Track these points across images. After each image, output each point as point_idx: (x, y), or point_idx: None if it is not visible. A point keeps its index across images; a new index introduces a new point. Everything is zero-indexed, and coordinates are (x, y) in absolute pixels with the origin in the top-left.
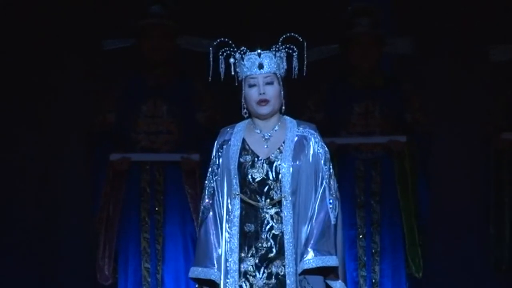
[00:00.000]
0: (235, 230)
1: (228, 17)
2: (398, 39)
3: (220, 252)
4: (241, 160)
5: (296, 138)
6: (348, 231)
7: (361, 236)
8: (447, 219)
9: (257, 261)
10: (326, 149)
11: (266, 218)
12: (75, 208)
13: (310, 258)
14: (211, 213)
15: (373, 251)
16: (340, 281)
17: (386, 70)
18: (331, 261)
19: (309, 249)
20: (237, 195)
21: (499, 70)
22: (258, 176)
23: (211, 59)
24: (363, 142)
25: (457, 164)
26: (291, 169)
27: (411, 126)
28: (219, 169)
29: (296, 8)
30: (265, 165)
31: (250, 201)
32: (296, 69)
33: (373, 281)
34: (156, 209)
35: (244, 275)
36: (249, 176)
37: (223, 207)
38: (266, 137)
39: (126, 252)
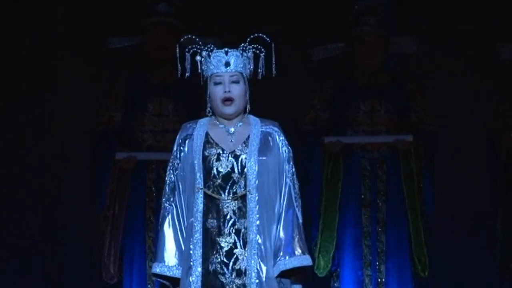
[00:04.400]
0: (199, 225)
1: (233, 16)
2: (404, 38)
3: (182, 249)
4: (206, 153)
5: (260, 134)
6: (353, 230)
7: (366, 235)
8: (453, 218)
9: (223, 258)
10: (290, 147)
11: (228, 213)
12: (77, 207)
13: (285, 260)
14: (173, 208)
15: (379, 250)
16: (300, 285)
17: (391, 69)
18: (306, 260)
19: (283, 251)
20: (201, 189)
21: (506, 68)
22: (224, 170)
23: (177, 56)
24: (370, 141)
25: (462, 163)
26: (256, 163)
27: (416, 125)
28: (179, 164)
29: (301, 7)
30: (230, 158)
31: (213, 195)
32: (263, 70)
33: (379, 280)
34: None
35: (213, 274)
36: (214, 169)
37: (184, 202)
38: (231, 132)
39: (131, 251)
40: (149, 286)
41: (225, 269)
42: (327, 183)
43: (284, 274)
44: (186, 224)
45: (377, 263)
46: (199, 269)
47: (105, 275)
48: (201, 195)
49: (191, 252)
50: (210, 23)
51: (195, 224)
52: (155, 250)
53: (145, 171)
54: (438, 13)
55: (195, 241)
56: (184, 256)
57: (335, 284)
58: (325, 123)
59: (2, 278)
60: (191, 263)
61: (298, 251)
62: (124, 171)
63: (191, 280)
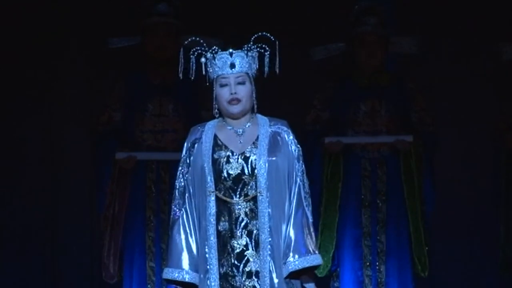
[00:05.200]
0: (212, 229)
1: (233, 16)
2: (404, 38)
3: (195, 253)
4: (215, 156)
5: (269, 134)
6: (353, 230)
7: (366, 235)
8: (454, 218)
9: (234, 260)
10: (299, 146)
11: (240, 215)
12: (77, 207)
13: (295, 260)
14: (183, 213)
15: (379, 250)
16: (313, 284)
17: (391, 70)
18: (316, 260)
19: (292, 251)
20: (212, 192)
21: (507, 68)
22: (234, 172)
23: (181, 57)
24: (370, 141)
25: (463, 163)
26: (267, 164)
27: (417, 126)
28: (189, 168)
29: (302, 7)
30: (240, 160)
31: (224, 197)
32: (268, 69)
33: (379, 280)
34: (161, 208)
35: (224, 277)
36: (225, 172)
37: (195, 206)
38: (239, 133)
39: (131, 251)
40: (149, 286)
41: (236, 272)
42: (327, 183)
43: (293, 274)
44: (197, 228)
45: (377, 263)
46: (216, 271)
47: (105, 274)
48: (212, 198)
49: (206, 255)
50: (210, 23)
51: (209, 228)
52: (166, 255)
53: (145, 171)
54: (438, 13)
55: (210, 244)
56: (199, 260)
57: (335, 284)
58: (325, 123)
59: (2, 278)
60: (208, 266)
61: (308, 251)
62: (124, 171)
63: (209, 283)
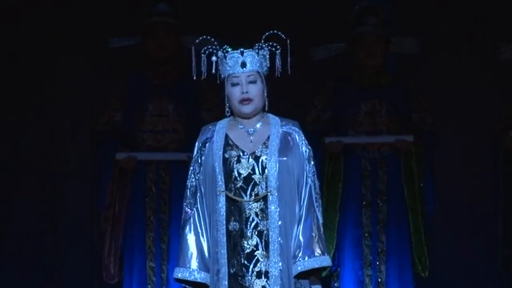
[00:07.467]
0: (223, 229)
1: (233, 16)
2: (404, 38)
3: (206, 253)
4: (226, 155)
5: (281, 134)
6: (353, 230)
7: (367, 235)
8: (454, 218)
9: (244, 261)
10: (310, 147)
11: (250, 215)
12: (77, 207)
13: (305, 260)
14: (194, 212)
15: (379, 250)
16: (320, 286)
17: (392, 70)
18: (325, 261)
19: (302, 251)
20: (222, 192)
21: (507, 68)
22: (244, 172)
23: (193, 56)
24: (370, 141)
25: (463, 163)
26: (277, 164)
27: (417, 126)
28: (201, 167)
29: (302, 7)
30: (251, 159)
31: (234, 197)
32: (280, 67)
33: (379, 280)
34: (162, 208)
35: (234, 277)
36: (235, 172)
37: (206, 206)
38: (250, 132)
39: (132, 251)
40: (149, 286)
41: (245, 272)
42: (327, 183)
43: (302, 274)
44: (208, 227)
45: (378, 263)
46: (226, 271)
47: (105, 275)
48: (223, 198)
49: (217, 255)
50: (210, 23)
51: (219, 227)
52: (177, 255)
53: (145, 171)
54: (438, 13)
55: (221, 246)
56: (210, 259)
57: (335, 284)
58: (326, 123)
59: (2, 278)
60: (218, 266)
61: (317, 252)
62: (124, 171)
63: (219, 283)
